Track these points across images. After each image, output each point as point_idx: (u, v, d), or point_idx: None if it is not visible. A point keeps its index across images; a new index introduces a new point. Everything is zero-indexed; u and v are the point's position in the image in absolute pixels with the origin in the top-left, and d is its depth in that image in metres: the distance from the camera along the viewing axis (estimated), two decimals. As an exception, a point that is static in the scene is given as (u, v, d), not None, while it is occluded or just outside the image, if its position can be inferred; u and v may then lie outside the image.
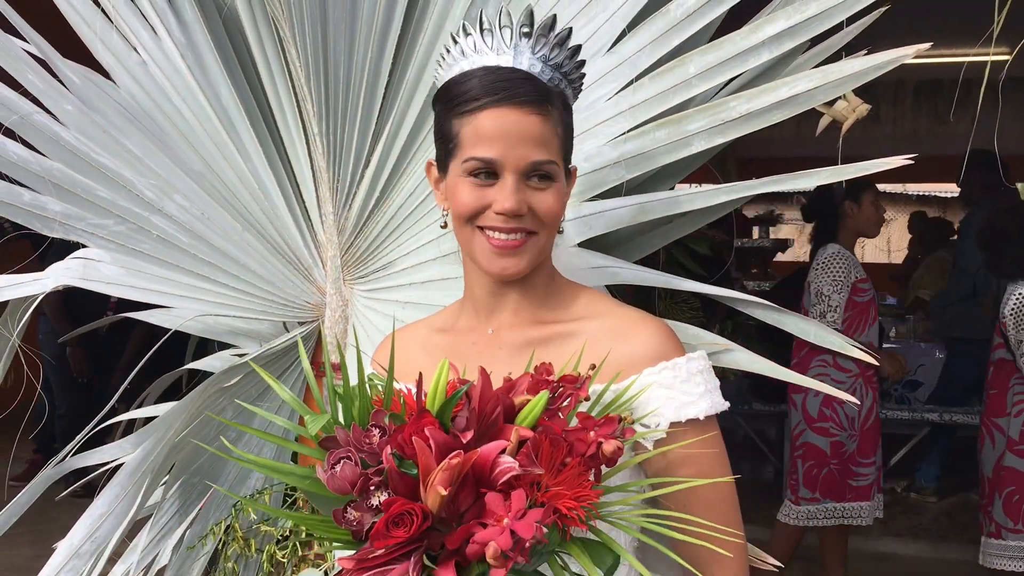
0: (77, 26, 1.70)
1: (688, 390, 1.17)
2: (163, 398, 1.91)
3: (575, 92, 1.25)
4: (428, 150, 1.56)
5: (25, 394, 1.97)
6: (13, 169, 1.69)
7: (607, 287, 1.52)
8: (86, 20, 1.69)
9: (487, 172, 1.16)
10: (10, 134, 1.68)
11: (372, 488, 0.84)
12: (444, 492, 0.80)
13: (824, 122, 1.73)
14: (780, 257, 8.02)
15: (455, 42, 1.20)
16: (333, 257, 1.72)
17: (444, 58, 1.22)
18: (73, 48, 1.71)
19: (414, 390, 0.95)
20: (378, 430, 0.87)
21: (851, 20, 1.43)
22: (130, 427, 1.87)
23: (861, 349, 1.48)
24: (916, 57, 1.38)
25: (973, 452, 3.83)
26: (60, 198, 1.70)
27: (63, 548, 1.62)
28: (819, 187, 3.95)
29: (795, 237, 8.88)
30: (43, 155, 1.70)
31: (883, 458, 4.06)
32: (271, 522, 1.69)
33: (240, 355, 1.76)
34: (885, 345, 5.60)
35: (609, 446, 0.88)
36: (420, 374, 0.94)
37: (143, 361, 1.76)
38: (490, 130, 1.14)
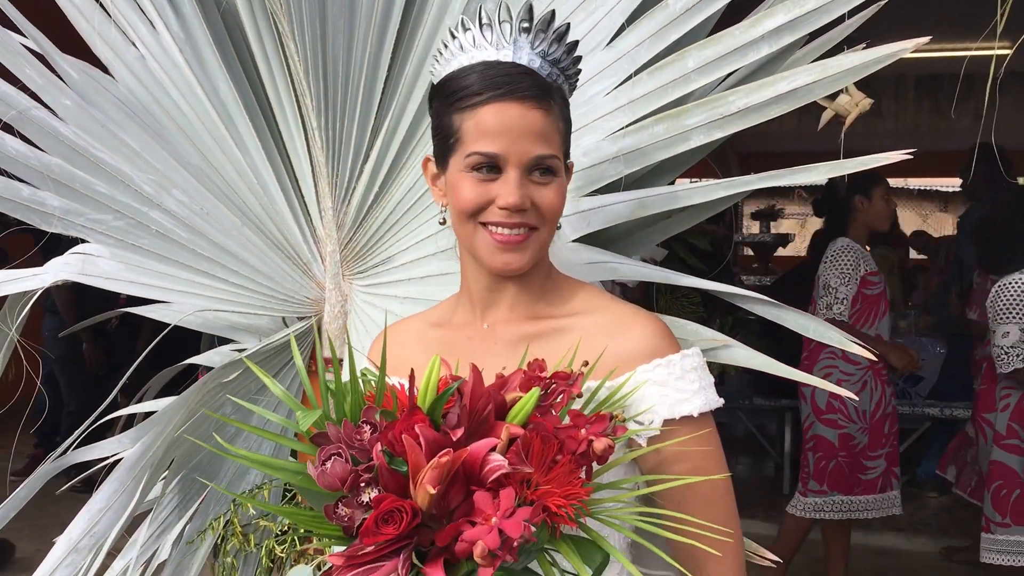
0: (75, 21, 1.70)
1: (682, 387, 1.16)
2: (165, 393, 1.91)
3: (571, 87, 1.25)
4: (427, 145, 1.55)
5: (26, 389, 1.97)
6: (12, 164, 1.69)
7: (602, 282, 1.52)
8: (84, 15, 1.69)
9: (489, 167, 1.16)
10: (8, 129, 1.68)
11: (362, 485, 0.83)
12: (433, 491, 0.80)
13: (827, 116, 1.72)
14: (780, 252, 8.01)
15: (453, 37, 1.20)
16: (332, 252, 1.72)
17: (441, 53, 1.22)
18: (71, 43, 1.71)
19: (407, 385, 0.94)
20: (369, 427, 0.87)
21: (850, 14, 1.42)
22: (130, 422, 1.87)
23: (860, 345, 1.48)
24: (916, 51, 1.38)
25: (974, 448, 3.84)
26: (59, 193, 1.70)
27: (62, 543, 1.62)
28: (829, 181, 3.95)
29: (796, 232, 8.87)
30: (42, 150, 1.70)
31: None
32: (270, 517, 1.69)
33: (239, 350, 1.76)
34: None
35: (600, 444, 0.88)
36: (412, 370, 0.94)
37: (140, 357, 1.76)
38: (493, 125, 1.14)
